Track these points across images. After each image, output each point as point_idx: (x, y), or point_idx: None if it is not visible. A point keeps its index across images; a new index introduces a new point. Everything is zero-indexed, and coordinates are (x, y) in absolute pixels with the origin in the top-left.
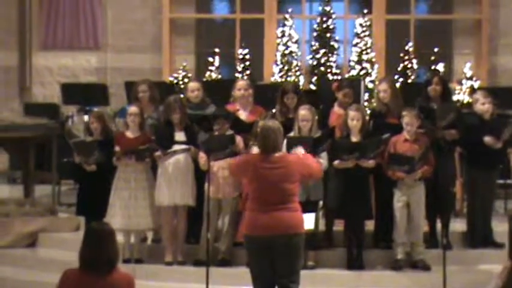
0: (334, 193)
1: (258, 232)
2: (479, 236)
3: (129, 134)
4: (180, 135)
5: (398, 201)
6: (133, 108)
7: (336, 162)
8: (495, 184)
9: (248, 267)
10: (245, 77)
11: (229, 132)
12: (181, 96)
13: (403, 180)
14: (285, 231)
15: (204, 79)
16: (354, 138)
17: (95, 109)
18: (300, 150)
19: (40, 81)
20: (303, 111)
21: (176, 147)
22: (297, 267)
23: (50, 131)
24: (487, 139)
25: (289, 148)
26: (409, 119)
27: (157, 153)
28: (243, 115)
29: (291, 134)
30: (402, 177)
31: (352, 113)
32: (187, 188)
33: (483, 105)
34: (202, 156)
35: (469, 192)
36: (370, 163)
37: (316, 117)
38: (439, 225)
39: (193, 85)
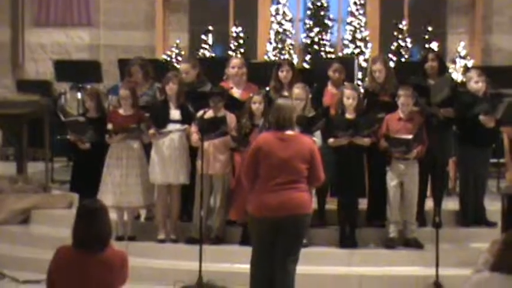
0: (328, 171)
1: (266, 213)
2: (472, 215)
3: (122, 112)
4: (175, 114)
5: (392, 180)
6: (123, 92)
7: (331, 140)
8: (488, 163)
9: (242, 244)
10: (239, 55)
11: (223, 111)
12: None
13: (396, 159)
14: (293, 212)
15: (198, 57)
16: (349, 117)
17: (88, 86)
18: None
19: (33, 58)
20: (297, 90)
21: (171, 125)
22: (298, 247)
23: (43, 107)
24: (482, 118)
25: None
26: (404, 99)
27: (152, 130)
28: (236, 93)
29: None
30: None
31: (347, 92)
32: (181, 167)
33: (477, 84)
34: (194, 133)
35: (461, 170)
36: (365, 141)
37: (310, 96)
38: (428, 203)
39: (183, 67)
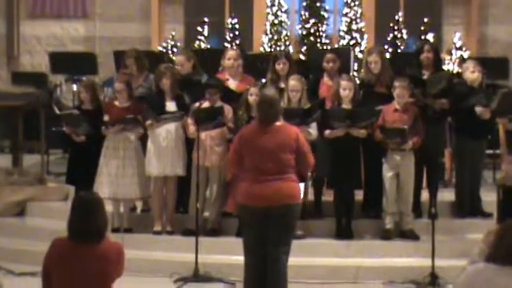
0: (324, 163)
1: (254, 203)
2: (468, 206)
3: (118, 104)
4: (171, 105)
5: (388, 171)
6: (117, 85)
7: (327, 132)
8: (484, 154)
9: (238, 236)
10: (234, 47)
11: (219, 102)
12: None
13: (392, 150)
14: (281, 202)
15: (194, 48)
16: (346, 107)
17: (84, 78)
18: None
19: (28, 50)
20: (293, 82)
21: (166, 116)
22: (289, 237)
23: (38, 100)
24: (478, 109)
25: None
26: (400, 91)
27: (149, 122)
28: (232, 84)
29: (281, 104)
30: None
31: (344, 83)
32: (178, 158)
33: (473, 74)
34: (190, 124)
35: (457, 162)
36: (362, 132)
37: (306, 88)
38: (424, 194)
39: (178, 59)
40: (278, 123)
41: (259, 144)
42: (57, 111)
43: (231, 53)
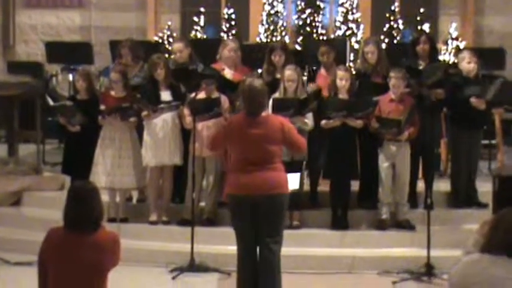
0: (320, 153)
1: (241, 192)
2: (463, 196)
3: (114, 93)
4: (165, 95)
5: (384, 161)
6: (113, 75)
7: (323, 122)
8: (479, 144)
9: (232, 226)
10: (231, 37)
11: (215, 93)
12: (166, 56)
13: (388, 141)
14: (268, 191)
15: (190, 38)
16: (342, 98)
17: (80, 68)
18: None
19: (24, 40)
20: (289, 72)
21: (162, 106)
22: (279, 228)
23: (34, 89)
24: (473, 100)
25: (275, 109)
26: (395, 81)
27: (144, 112)
28: (228, 74)
29: (276, 95)
30: (389, 137)
31: (341, 73)
32: (175, 148)
33: (469, 64)
34: (187, 115)
35: (453, 152)
36: (358, 123)
37: (303, 78)
38: (420, 185)
39: (176, 46)
40: (263, 114)
41: (246, 136)
42: (51, 103)
43: (233, 45)
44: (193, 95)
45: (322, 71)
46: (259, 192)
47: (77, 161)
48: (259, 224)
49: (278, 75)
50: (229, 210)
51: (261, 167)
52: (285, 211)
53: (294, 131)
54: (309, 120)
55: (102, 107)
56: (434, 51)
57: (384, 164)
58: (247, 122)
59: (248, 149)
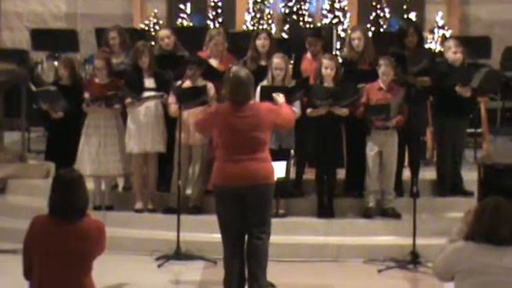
0: (306, 141)
1: (227, 181)
2: (449, 185)
3: (98, 81)
4: (149, 82)
5: (371, 149)
6: (97, 62)
7: (309, 110)
8: (465, 133)
9: (216, 215)
10: (217, 25)
11: (201, 80)
12: (152, 43)
13: (376, 129)
14: (254, 182)
15: (176, 26)
16: (328, 86)
17: (64, 55)
18: (280, 97)
19: (9, 27)
20: (277, 60)
21: (146, 94)
22: (266, 216)
23: (19, 77)
24: (458, 88)
25: (263, 97)
26: (385, 69)
27: (128, 100)
28: (214, 63)
29: (264, 83)
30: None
31: (326, 62)
32: (158, 135)
33: (455, 54)
34: (172, 103)
35: (438, 140)
36: (344, 111)
37: (290, 66)
38: (406, 173)
39: (163, 33)
40: (250, 103)
41: (233, 126)
42: (34, 89)
43: (218, 38)
44: (179, 83)
45: (308, 54)
46: (245, 182)
47: (61, 148)
48: (246, 215)
49: (263, 63)
50: (215, 199)
51: (247, 156)
52: (271, 201)
53: (279, 110)
54: (296, 108)
55: (86, 95)
56: (421, 41)
57: (371, 152)
58: (233, 111)
59: (234, 138)
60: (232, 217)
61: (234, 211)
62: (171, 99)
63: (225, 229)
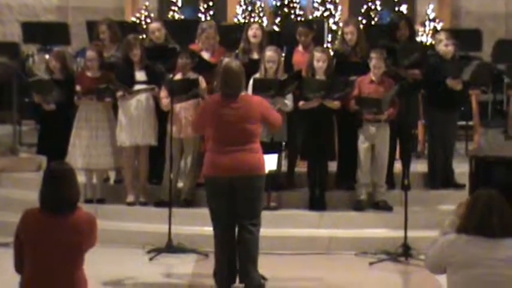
0: (298, 134)
1: (218, 173)
2: (440, 177)
3: (90, 74)
4: (140, 75)
5: (363, 142)
6: (89, 53)
7: (301, 103)
8: (456, 125)
9: (208, 207)
10: (209, 18)
11: (192, 73)
12: (143, 36)
13: (368, 121)
14: (245, 173)
15: (167, 19)
16: (320, 79)
17: (56, 48)
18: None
19: (0, 20)
20: (269, 53)
21: (137, 87)
22: (257, 209)
23: (10, 70)
24: (449, 81)
25: (255, 89)
26: (376, 62)
27: (119, 93)
28: (205, 55)
29: (257, 76)
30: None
31: (317, 55)
32: (149, 128)
33: (446, 47)
34: (164, 97)
35: (430, 133)
36: (336, 104)
37: (282, 59)
38: (397, 166)
39: (153, 26)
40: (241, 94)
41: (224, 117)
42: (27, 79)
43: (210, 31)
44: (170, 76)
45: (300, 47)
46: (236, 173)
47: (53, 141)
48: (237, 206)
49: (255, 56)
50: (206, 191)
51: (238, 147)
52: (262, 193)
53: (270, 107)
54: (288, 101)
55: (78, 88)
56: (412, 35)
57: (363, 145)
58: (223, 103)
59: (225, 129)
60: (224, 209)
61: (225, 203)
62: (163, 93)
63: (216, 221)
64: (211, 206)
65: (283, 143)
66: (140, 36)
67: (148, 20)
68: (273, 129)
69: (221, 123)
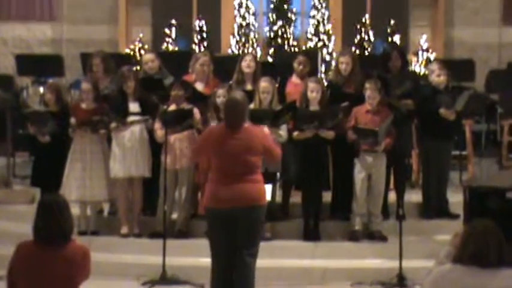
0: (293, 164)
1: (220, 205)
2: (435, 207)
3: (84, 106)
4: (134, 106)
5: (360, 172)
6: (84, 85)
7: (295, 133)
8: (450, 155)
9: (207, 238)
10: (203, 49)
11: (186, 104)
12: (138, 68)
13: (365, 151)
14: (247, 204)
15: (161, 51)
16: (313, 109)
17: (50, 81)
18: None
19: None
20: (264, 83)
21: (131, 118)
22: (256, 240)
23: (5, 102)
24: (442, 111)
25: (250, 120)
26: (371, 92)
27: (113, 125)
28: (199, 86)
29: (251, 106)
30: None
31: (311, 85)
32: (142, 159)
33: (438, 77)
34: (158, 129)
35: (424, 163)
36: (330, 134)
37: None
38: (391, 196)
39: (147, 57)
40: (245, 125)
41: (227, 148)
42: (23, 110)
43: (204, 59)
44: (164, 107)
45: (294, 78)
46: (238, 204)
47: (47, 173)
48: (237, 236)
49: (248, 87)
50: (207, 222)
51: (240, 178)
52: (262, 223)
53: (272, 140)
54: (283, 132)
55: (73, 120)
56: (405, 65)
57: (359, 175)
58: (227, 133)
59: (228, 160)
60: (223, 241)
61: (225, 235)
62: (157, 124)
63: (215, 252)
64: (211, 238)
65: (278, 174)
66: (134, 68)
67: (142, 52)
68: (272, 161)
69: (224, 153)
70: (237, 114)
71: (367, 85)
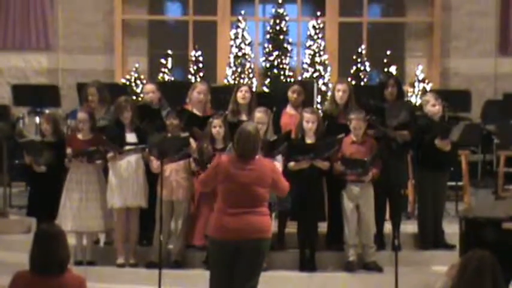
0: (288, 195)
1: (225, 236)
2: (431, 238)
3: (81, 136)
4: (131, 137)
5: (348, 203)
6: (81, 115)
7: (291, 164)
8: (446, 186)
9: (205, 267)
10: (199, 79)
11: (182, 132)
12: (133, 98)
13: (351, 182)
14: (253, 236)
15: (157, 81)
16: (309, 140)
17: (46, 111)
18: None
19: None
20: (259, 114)
21: (127, 147)
22: (257, 271)
23: (1, 132)
24: (438, 142)
25: None
26: (356, 123)
27: (110, 154)
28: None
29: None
30: (352, 178)
31: (307, 115)
32: (139, 189)
33: (433, 107)
34: (154, 160)
35: (419, 194)
36: (325, 164)
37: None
38: (387, 226)
39: (148, 87)
40: (256, 157)
41: (237, 179)
42: (19, 140)
43: (202, 87)
44: (159, 137)
45: (289, 108)
46: (243, 236)
47: (43, 203)
48: (238, 268)
49: (243, 117)
50: (210, 252)
51: (247, 210)
52: (265, 255)
53: (280, 174)
54: (278, 162)
55: (69, 150)
56: (401, 93)
57: (348, 206)
58: (238, 164)
59: (238, 191)
60: (225, 274)
61: (227, 269)
62: (153, 155)
63: (216, 282)
64: (212, 269)
65: (273, 204)
66: (131, 98)
67: (138, 82)
68: (280, 195)
69: (233, 183)
70: (250, 146)
71: (351, 116)
